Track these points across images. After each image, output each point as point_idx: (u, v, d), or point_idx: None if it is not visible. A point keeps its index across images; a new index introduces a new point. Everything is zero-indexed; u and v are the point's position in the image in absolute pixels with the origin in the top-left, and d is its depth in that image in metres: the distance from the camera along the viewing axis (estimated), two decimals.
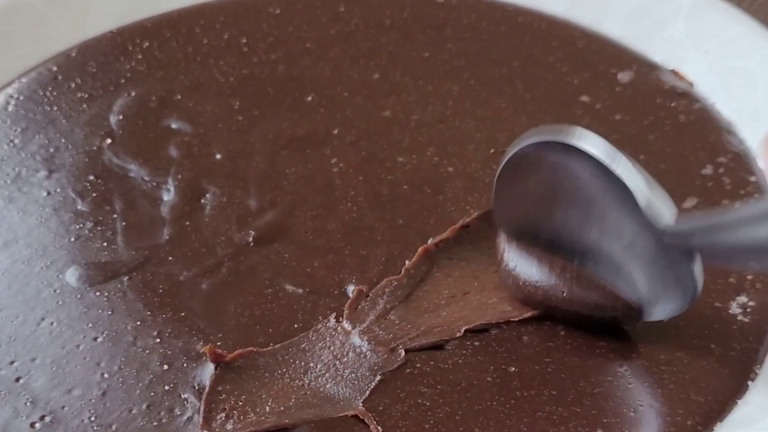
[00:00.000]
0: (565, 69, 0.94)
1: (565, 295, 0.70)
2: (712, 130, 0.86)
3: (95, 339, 0.73)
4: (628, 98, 0.90)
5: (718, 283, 0.74)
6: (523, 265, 0.72)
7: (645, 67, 0.94)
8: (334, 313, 0.73)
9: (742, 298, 0.73)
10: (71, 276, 0.78)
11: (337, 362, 0.71)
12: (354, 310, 0.73)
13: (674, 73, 0.92)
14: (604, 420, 0.66)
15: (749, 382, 0.69)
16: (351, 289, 0.75)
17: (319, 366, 0.71)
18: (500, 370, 0.70)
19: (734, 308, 0.73)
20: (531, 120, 0.88)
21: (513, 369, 0.70)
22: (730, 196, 0.80)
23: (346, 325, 0.72)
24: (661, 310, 0.68)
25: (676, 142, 0.85)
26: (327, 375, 0.71)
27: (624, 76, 0.93)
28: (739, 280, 0.74)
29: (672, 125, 0.87)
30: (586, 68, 0.94)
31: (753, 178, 0.82)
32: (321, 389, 0.70)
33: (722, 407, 0.67)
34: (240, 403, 0.68)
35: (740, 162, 0.83)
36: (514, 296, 0.72)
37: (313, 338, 0.72)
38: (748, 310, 0.72)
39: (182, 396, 0.69)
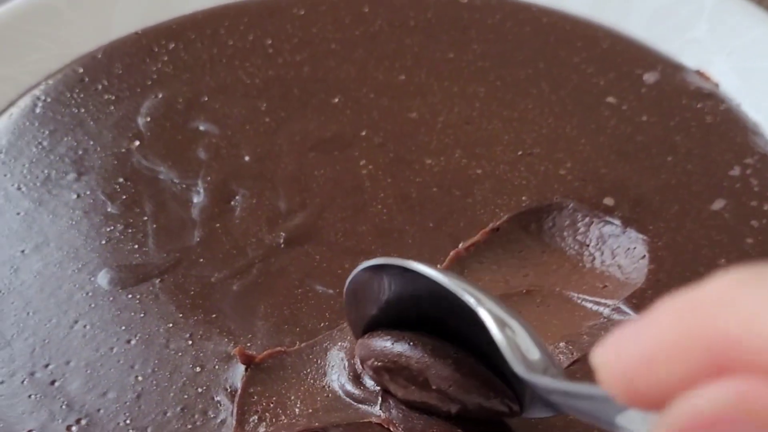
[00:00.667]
0: (590, 70, 0.94)
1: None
2: (739, 131, 0.87)
3: (128, 341, 0.74)
4: (654, 99, 0.90)
5: None
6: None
7: (670, 68, 0.94)
8: None
9: None
10: (103, 278, 0.78)
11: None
12: None
13: (699, 74, 0.93)
14: None
15: None
16: None
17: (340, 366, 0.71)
18: None
19: None
20: (558, 121, 0.89)
21: None
22: (758, 198, 0.80)
23: None
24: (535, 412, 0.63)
25: (703, 143, 0.85)
26: (348, 375, 0.71)
27: (649, 77, 0.93)
28: None
29: (698, 126, 0.87)
30: (612, 69, 0.94)
31: None
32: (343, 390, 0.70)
33: None
34: (271, 405, 0.69)
35: (767, 163, 0.83)
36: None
37: (337, 337, 0.72)
38: None
39: (215, 398, 0.69)
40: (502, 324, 0.59)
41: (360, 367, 0.70)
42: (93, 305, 0.76)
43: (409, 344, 0.65)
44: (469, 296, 0.60)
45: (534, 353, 0.59)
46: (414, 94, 0.93)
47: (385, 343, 0.66)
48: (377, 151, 0.87)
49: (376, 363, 0.67)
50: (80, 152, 0.89)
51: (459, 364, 0.64)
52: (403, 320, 0.66)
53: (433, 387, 0.64)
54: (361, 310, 0.69)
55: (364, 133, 0.89)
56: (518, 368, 0.57)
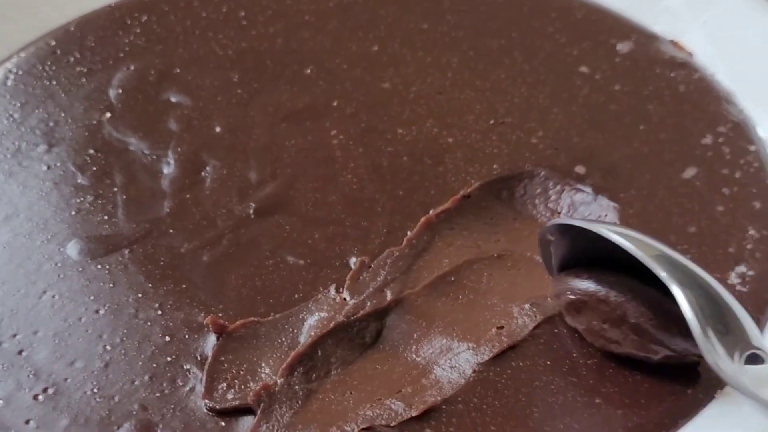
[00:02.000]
0: (563, 40, 0.94)
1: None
2: (712, 99, 0.87)
3: (97, 311, 0.73)
4: (627, 68, 0.90)
5: (717, 254, 0.73)
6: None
7: (644, 38, 0.94)
8: (335, 284, 0.73)
9: (741, 268, 0.72)
10: (72, 249, 0.78)
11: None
12: (355, 281, 0.73)
13: (673, 43, 0.92)
14: (602, 390, 0.66)
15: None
16: (353, 261, 0.75)
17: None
18: None
19: (733, 278, 0.72)
20: (530, 90, 0.89)
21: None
22: (729, 166, 0.80)
23: (346, 295, 0.71)
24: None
25: (676, 112, 0.85)
26: None
27: (623, 47, 0.93)
28: (738, 249, 0.74)
29: (672, 95, 0.87)
30: (585, 39, 0.94)
31: (753, 148, 0.82)
32: None
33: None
34: (242, 373, 0.69)
35: (740, 131, 0.84)
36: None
37: (313, 308, 0.72)
38: (747, 279, 0.72)
39: (184, 367, 0.69)
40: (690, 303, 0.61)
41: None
42: (62, 276, 0.76)
43: (607, 281, 0.67)
44: (665, 275, 0.62)
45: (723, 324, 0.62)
46: (387, 64, 0.92)
47: (583, 280, 0.68)
48: (349, 122, 0.87)
49: (571, 297, 0.68)
50: (51, 124, 0.89)
51: (659, 302, 0.65)
52: (598, 261, 0.68)
53: (632, 320, 0.65)
54: (556, 249, 0.70)
55: (336, 104, 0.89)
56: (723, 364, 0.60)
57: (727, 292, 0.62)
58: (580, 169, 0.80)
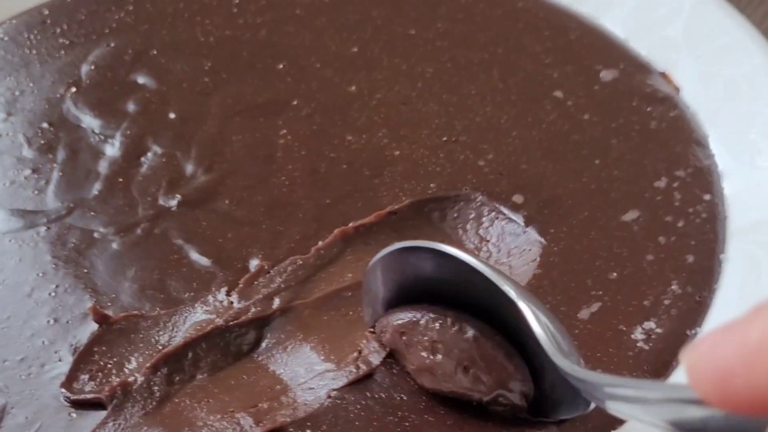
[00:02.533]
0: (548, 60, 0.90)
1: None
2: (681, 140, 0.82)
3: None
4: (603, 98, 0.86)
5: (630, 305, 0.70)
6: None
7: (632, 67, 0.89)
8: (226, 287, 0.71)
9: (650, 324, 0.68)
10: None
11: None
12: (249, 285, 0.71)
13: (663, 75, 0.87)
14: None
15: None
16: (255, 264, 0.73)
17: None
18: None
19: (637, 334, 0.68)
20: (495, 110, 0.85)
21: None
22: (675, 213, 0.75)
23: (234, 299, 0.70)
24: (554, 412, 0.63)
25: (638, 150, 0.81)
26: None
27: (607, 74, 0.88)
28: (654, 304, 0.69)
29: (640, 131, 0.82)
30: (571, 62, 0.90)
31: (707, 197, 0.77)
32: None
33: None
34: (109, 366, 0.68)
35: (699, 178, 0.78)
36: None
37: (198, 309, 0.70)
38: (652, 336, 0.68)
39: (57, 352, 0.69)
40: (537, 317, 0.59)
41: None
42: None
43: (431, 313, 0.64)
44: (509, 288, 0.60)
45: (566, 347, 0.59)
46: (360, 67, 0.90)
47: (407, 313, 0.65)
48: (301, 122, 0.85)
49: (394, 327, 0.66)
50: (17, 93, 0.90)
51: (482, 332, 0.63)
52: (425, 300, 0.66)
53: (460, 348, 0.62)
54: (381, 291, 0.68)
55: (295, 103, 0.87)
56: (558, 359, 0.57)
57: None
58: (517, 198, 0.76)
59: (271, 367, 0.67)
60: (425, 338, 0.63)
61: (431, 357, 0.63)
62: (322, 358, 0.67)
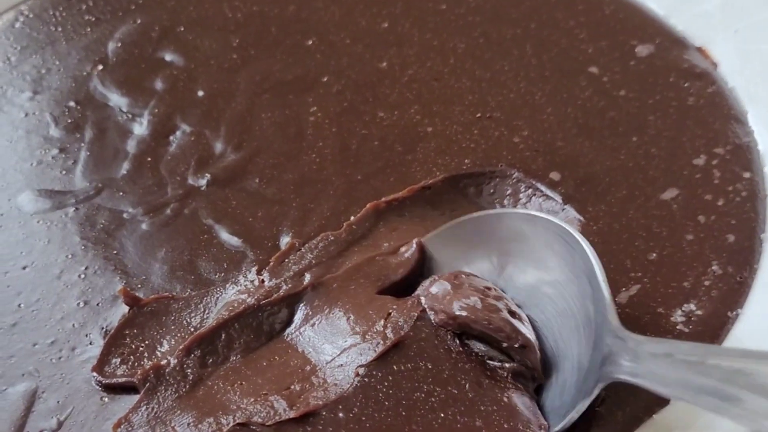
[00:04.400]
0: (582, 36, 0.88)
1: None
2: (720, 117, 0.79)
3: (24, 268, 0.73)
4: (639, 74, 0.84)
5: (670, 286, 0.68)
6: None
7: (668, 42, 0.87)
8: (256, 266, 0.69)
9: (690, 306, 0.66)
10: (22, 201, 0.77)
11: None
12: (279, 263, 0.70)
13: (700, 50, 0.85)
14: (482, 408, 0.62)
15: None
16: (285, 242, 0.71)
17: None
18: None
19: (677, 316, 0.66)
20: (529, 86, 0.83)
21: None
22: (715, 192, 0.74)
23: (265, 277, 0.68)
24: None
25: (676, 126, 0.79)
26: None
27: (643, 50, 0.86)
28: (694, 285, 0.68)
29: (677, 107, 0.80)
30: (606, 37, 0.87)
31: (747, 175, 0.75)
32: None
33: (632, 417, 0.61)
34: (141, 349, 0.67)
35: (739, 155, 0.76)
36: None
37: (230, 289, 0.69)
38: (692, 319, 0.66)
39: (88, 335, 0.68)
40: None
41: None
42: (1, 227, 0.76)
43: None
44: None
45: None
46: (391, 43, 0.88)
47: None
48: (332, 99, 0.83)
49: (451, 272, 0.67)
50: (43, 71, 0.88)
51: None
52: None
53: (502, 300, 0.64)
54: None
55: (325, 79, 0.85)
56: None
57: None
58: (554, 176, 0.75)
59: (301, 346, 0.66)
60: (478, 283, 0.64)
61: (482, 296, 0.63)
62: (348, 331, 0.65)
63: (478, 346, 0.62)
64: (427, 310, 0.64)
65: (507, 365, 0.61)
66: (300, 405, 0.61)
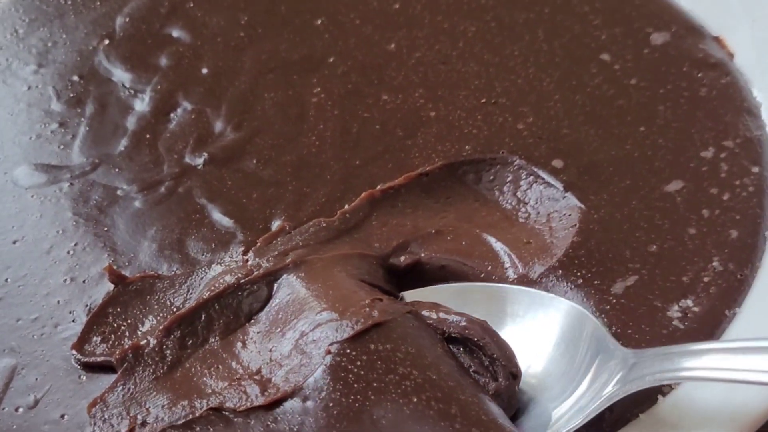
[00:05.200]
0: (596, 22, 0.86)
1: None
2: (732, 108, 0.77)
3: (14, 242, 0.72)
4: (652, 62, 0.81)
5: (668, 280, 0.66)
6: None
7: (684, 30, 0.84)
8: (244, 247, 0.68)
9: (687, 302, 0.64)
10: (18, 175, 0.77)
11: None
12: (266, 245, 0.68)
13: (717, 40, 0.83)
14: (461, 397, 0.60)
15: (659, 396, 0.60)
16: (276, 225, 0.70)
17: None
18: None
19: (674, 311, 0.64)
20: (538, 72, 0.82)
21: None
22: (721, 185, 0.71)
23: (250, 257, 0.67)
24: None
25: (686, 117, 0.77)
26: None
27: (658, 38, 0.84)
28: (693, 280, 0.66)
29: (689, 98, 0.78)
30: (620, 23, 0.85)
31: (756, 169, 0.73)
32: None
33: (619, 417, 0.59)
34: (122, 328, 0.66)
35: (749, 149, 0.74)
36: None
37: (215, 270, 0.68)
38: (688, 315, 0.64)
39: (72, 312, 0.68)
40: None
41: None
42: None
43: None
44: None
45: None
46: (401, 25, 0.87)
47: None
48: (336, 81, 0.82)
49: None
50: (49, 44, 0.88)
51: None
52: None
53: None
54: None
55: (331, 60, 0.84)
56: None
57: None
58: (557, 163, 0.73)
59: (276, 325, 0.64)
60: None
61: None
62: (327, 307, 0.62)
63: (467, 360, 0.60)
64: (425, 310, 0.62)
65: (492, 384, 0.59)
66: (271, 391, 0.60)
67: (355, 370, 0.58)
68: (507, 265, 0.68)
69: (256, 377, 0.60)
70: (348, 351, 0.58)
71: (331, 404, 0.57)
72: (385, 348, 0.58)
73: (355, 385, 0.57)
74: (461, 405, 0.57)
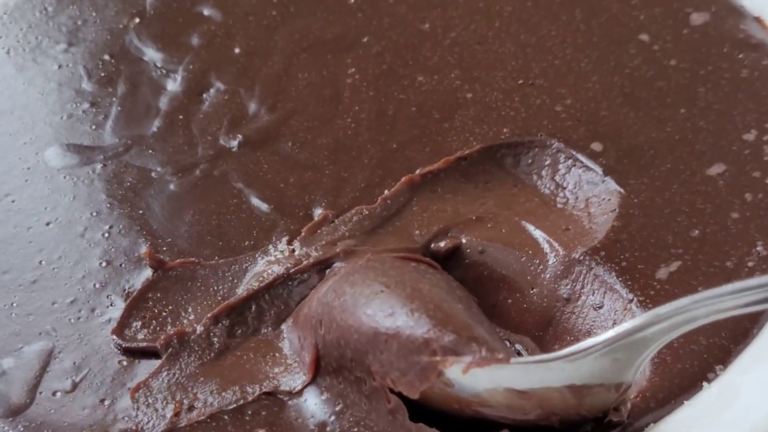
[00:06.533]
0: (635, 1, 0.84)
1: None
2: None
3: (47, 224, 0.71)
4: (692, 43, 0.80)
5: (712, 265, 0.65)
6: None
7: (725, 10, 0.83)
8: (287, 236, 0.68)
9: None
10: (49, 155, 0.76)
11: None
12: (311, 234, 0.68)
13: (758, 20, 0.81)
14: None
15: (704, 383, 0.59)
16: (318, 213, 0.69)
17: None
18: None
19: None
20: (576, 53, 0.80)
21: None
22: (764, 169, 0.70)
23: (296, 247, 0.66)
24: None
25: (728, 99, 0.75)
26: None
27: (698, 18, 0.82)
28: (737, 266, 0.65)
29: (730, 79, 0.77)
30: (660, 3, 0.84)
31: None
32: None
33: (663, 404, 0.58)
34: (164, 314, 0.66)
35: None
36: None
37: (259, 259, 0.67)
38: None
39: (109, 297, 0.67)
40: None
41: None
42: (27, 181, 0.75)
43: None
44: None
45: None
46: (435, 4, 0.86)
47: None
48: (371, 61, 0.81)
49: None
50: (79, 23, 0.87)
51: None
52: None
53: None
54: None
55: (365, 40, 0.83)
56: None
57: None
58: (596, 146, 0.72)
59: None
60: None
61: None
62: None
63: None
64: None
65: None
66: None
67: None
68: (547, 250, 0.67)
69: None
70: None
71: None
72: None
73: None
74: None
